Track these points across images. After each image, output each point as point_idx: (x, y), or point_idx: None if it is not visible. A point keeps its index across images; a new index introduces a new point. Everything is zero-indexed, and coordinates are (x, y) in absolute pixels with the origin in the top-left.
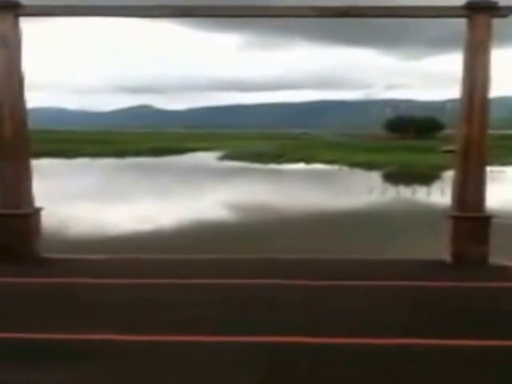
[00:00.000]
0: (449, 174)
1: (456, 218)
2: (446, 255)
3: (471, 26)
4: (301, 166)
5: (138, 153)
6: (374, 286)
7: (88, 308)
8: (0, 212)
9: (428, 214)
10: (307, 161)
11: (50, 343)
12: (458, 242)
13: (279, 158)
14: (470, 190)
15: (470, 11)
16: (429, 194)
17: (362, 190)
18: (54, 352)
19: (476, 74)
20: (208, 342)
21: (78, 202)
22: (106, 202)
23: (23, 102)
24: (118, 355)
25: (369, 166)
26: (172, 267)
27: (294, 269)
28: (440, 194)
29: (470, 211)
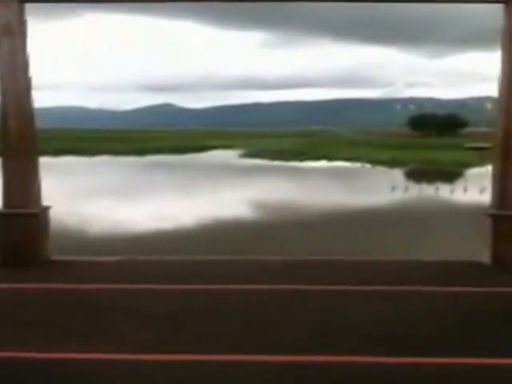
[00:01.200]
0: (472, 172)
1: (496, 217)
2: (484, 256)
3: (508, 12)
4: (322, 163)
5: (159, 151)
6: (404, 292)
7: (95, 319)
8: (5, 211)
9: (452, 212)
10: (329, 158)
11: (49, 364)
12: (498, 242)
13: (300, 155)
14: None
15: None
16: (452, 191)
17: (385, 188)
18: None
19: None
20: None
21: (98, 200)
22: (126, 199)
23: (29, 95)
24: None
25: (391, 164)
26: (189, 269)
27: (317, 272)
28: (463, 192)
29: (511, 209)
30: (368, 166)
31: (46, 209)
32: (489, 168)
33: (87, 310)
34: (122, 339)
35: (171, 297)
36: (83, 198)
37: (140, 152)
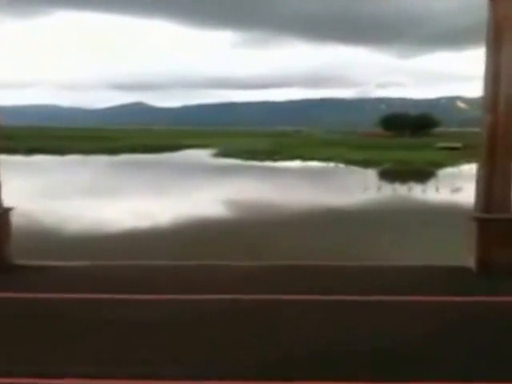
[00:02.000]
0: (445, 171)
1: (482, 220)
2: (470, 262)
3: (493, 8)
4: (296, 163)
5: (131, 150)
6: (385, 303)
7: (55, 332)
8: None
9: (424, 211)
10: (303, 158)
11: None
12: (485, 247)
13: (274, 155)
14: (498, 187)
15: None
16: (424, 191)
17: (358, 188)
18: None
19: (500, 57)
20: None
21: (70, 199)
22: (99, 199)
23: None
24: None
25: (365, 164)
26: (158, 276)
27: (291, 278)
28: (435, 191)
29: (497, 212)
30: (342, 165)
31: (7, 210)
32: (462, 168)
33: (39, 321)
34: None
35: (131, 308)
36: (54, 198)
37: (112, 151)
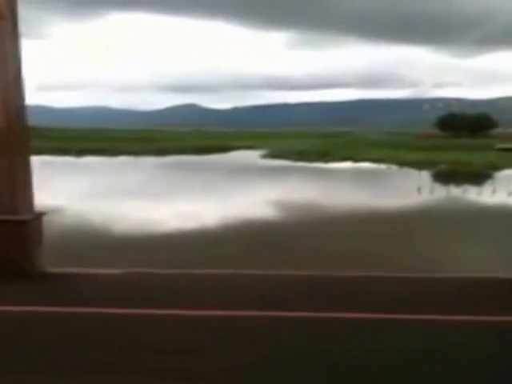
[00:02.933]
0: (503, 174)
1: None
2: None
3: None
4: (347, 164)
5: (180, 151)
6: (419, 322)
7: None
8: None
9: (476, 215)
10: (354, 159)
11: None
12: None
13: (325, 156)
14: None
15: None
16: (479, 193)
17: (410, 190)
18: None
19: None
20: None
21: (121, 200)
22: (149, 200)
23: (19, 87)
24: None
25: (419, 165)
26: (197, 286)
27: (342, 291)
28: (491, 194)
29: None
30: (394, 167)
31: (40, 215)
32: None
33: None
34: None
35: (173, 324)
36: (104, 199)
37: (162, 152)
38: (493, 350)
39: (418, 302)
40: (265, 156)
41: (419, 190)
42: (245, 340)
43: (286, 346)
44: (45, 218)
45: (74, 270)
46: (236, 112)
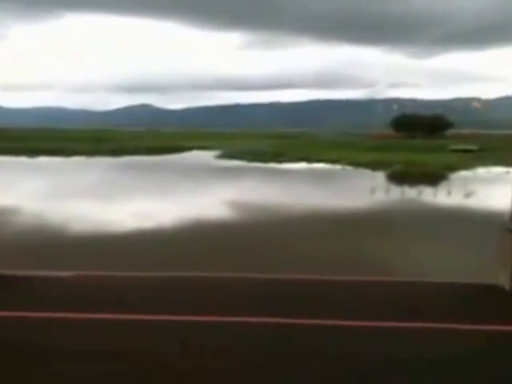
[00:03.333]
0: (459, 175)
1: None
2: (503, 280)
3: None
4: (302, 165)
5: (135, 151)
6: (405, 330)
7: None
8: None
9: (430, 216)
10: (309, 160)
11: None
12: None
13: (280, 156)
14: None
15: None
16: (435, 194)
17: (364, 191)
18: None
19: None
20: None
21: (75, 200)
22: (103, 200)
23: None
24: None
25: (374, 166)
26: (156, 289)
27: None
28: (446, 195)
29: None
30: (349, 168)
31: None
32: (477, 171)
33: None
34: None
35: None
36: (58, 199)
37: (116, 152)
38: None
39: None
40: (220, 156)
41: (373, 190)
42: (196, 345)
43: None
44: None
45: (27, 273)
46: (190, 112)
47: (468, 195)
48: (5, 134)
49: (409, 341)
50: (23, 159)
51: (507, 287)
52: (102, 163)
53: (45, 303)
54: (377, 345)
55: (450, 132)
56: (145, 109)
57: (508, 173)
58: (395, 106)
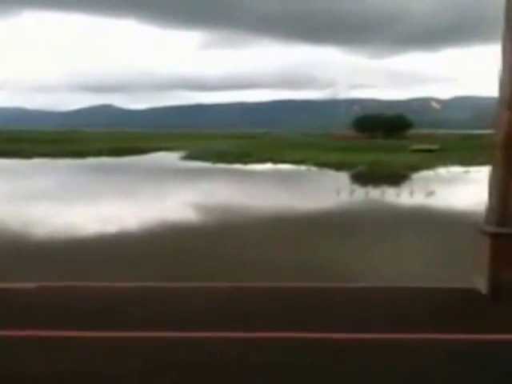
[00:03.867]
0: (420, 175)
1: (496, 236)
2: (480, 284)
3: None
4: (267, 166)
5: (98, 153)
6: (375, 342)
7: None
8: None
9: (396, 216)
10: (274, 161)
11: None
12: (499, 266)
13: (244, 157)
14: None
15: None
16: (398, 194)
17: (330, 191)
18: None
19: None
20: None
21: (36, 203)
22: (65, 203)
23: None
24: None
25: (338, 166)
26: (126, 302)
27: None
28: (409, 195)
29: None
30: (314, 168)
31: None
32: (438, 171)
33: None
34: None
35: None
36: (19, 202)
37: (77, 154)
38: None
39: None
40: (184, 158)
41: (338, 191)
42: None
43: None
44: None
45: None
46: (151, 113)
47: (430, 194)
48: None
49: (383, 353)
50: None
51: (484, 291)
52: (63, 165)
53: (1, 319)
54: (349, 358)
55: (410, 132)
56: (107, 109)
57: (467, 172)
58: (356, 107)
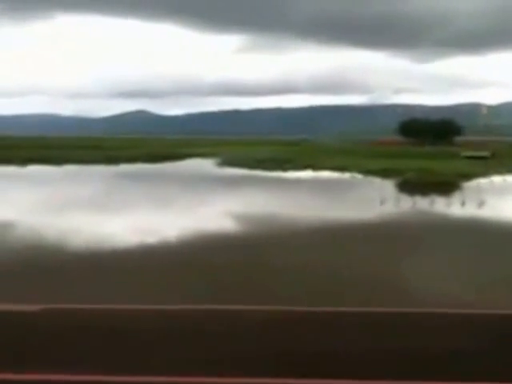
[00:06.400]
0: (475, 183)
1: None
2: None
3: None
4: (308, 173)
5: (132, 159)
6: None
7: None
8: None
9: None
10: (314, 168)
11: None
12: None
13: (283, 164)
14: None
15: None
16: (448, 204)
17: (375, 200)
18: None
19: None
20: None
21: (70, 213)
22: (100, 212)
23: None
24: None
25: (384, 174)
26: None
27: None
28: (460, 206)
29: None
30: (359, 176)
31: None
32: (493, 179)
33: None
34: None
35: None
36: (51, 212)
37: (112, 160)
38: None
39: None
40: (220, 164)
41: (382, 201)
42: None
43: None
44: None
45: None
46: (188, 118)
47: (482, 205)
48: None
49: None
50: (13, 169)
51: None
52: (99, 172)
53: None
54: None
55: (459, 138)
56: (142, 115)
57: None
58: (400, 111)
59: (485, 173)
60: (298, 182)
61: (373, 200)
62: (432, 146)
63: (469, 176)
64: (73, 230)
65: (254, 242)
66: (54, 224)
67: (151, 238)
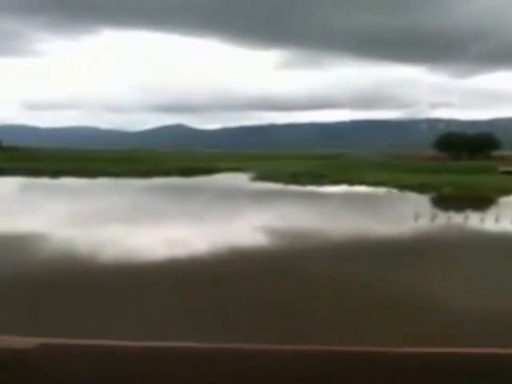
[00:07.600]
0: (511, 199)
1: None
2: None
3: None
4: (343, 188)
5: (165, 173)
6: None
7: None
8: None
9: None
10: (350, 183)
11: None
12: None
13: (319, 179)
14: None
15: None
16: (482, 220)
17: (410, 216)
18: None
19: None
20: None
21: (102, 225)
22: (132, 225)
23: None
24: None
25: (421, 189)
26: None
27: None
28: (494, 222)
29: None
30: (394, 191)
31: None
32: None
33: None
34: None
35: None
36: (86, 224)
37: (145, 174)
38: None
39: None
40: (255, 178)
41: (417, 216)
42: None
43: None
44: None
45: None
46: (224, 133)
47: None
48: (33, 154)
49: None
50: (45, 180)
51: None
52: (131, 185)
53: None
54: None
55: (497, 153)
56: (179, 129)
57: None
58: (440, 126)
59: None
60: (333, 196)
61: (407, 216)
62: (469, 161)
63: (506, 191)
64: (105, 242)
65: (292, 254)
66: (81, 237)
67: (184, 251)
